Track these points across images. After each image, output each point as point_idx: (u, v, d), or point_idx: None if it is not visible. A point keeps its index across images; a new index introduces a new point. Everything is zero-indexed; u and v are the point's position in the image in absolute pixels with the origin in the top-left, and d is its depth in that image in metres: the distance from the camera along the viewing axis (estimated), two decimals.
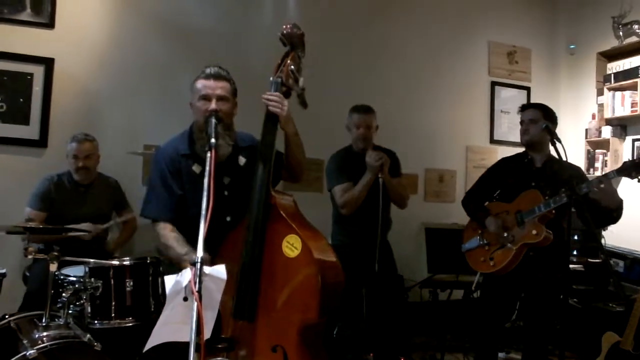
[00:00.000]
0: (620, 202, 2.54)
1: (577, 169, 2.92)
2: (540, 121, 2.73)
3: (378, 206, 2.88)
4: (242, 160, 2.18)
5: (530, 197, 2.68)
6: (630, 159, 2.42)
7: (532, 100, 4.95)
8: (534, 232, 2.59)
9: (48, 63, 3.51)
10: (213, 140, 1.78)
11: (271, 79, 2.07)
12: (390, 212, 3.22)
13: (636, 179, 2.40)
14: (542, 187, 2.67)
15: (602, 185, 2.40)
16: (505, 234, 2.72)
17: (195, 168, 2.10)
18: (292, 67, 2.05)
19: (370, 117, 3.10)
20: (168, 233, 2.06)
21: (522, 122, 2.87)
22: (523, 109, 2.92)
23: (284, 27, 2.07)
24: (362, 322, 3.19)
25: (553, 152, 2.59)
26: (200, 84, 2.06)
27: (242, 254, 1.91)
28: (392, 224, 3.28)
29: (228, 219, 2.11)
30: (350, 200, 3.01)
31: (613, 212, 2.53)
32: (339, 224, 3.23)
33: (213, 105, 2.00)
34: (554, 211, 2.56)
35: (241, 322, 1.89)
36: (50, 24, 3.53)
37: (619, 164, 4.30)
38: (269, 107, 2.01)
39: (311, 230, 1.94)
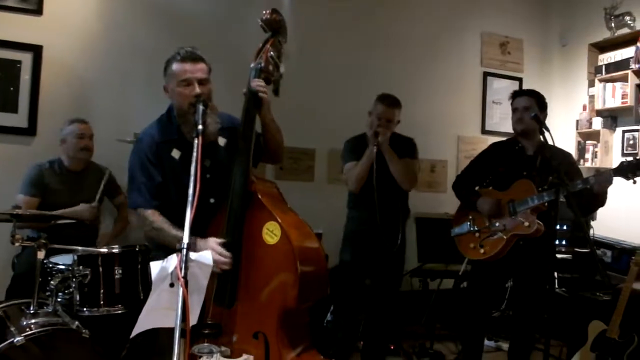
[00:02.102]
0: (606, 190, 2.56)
1: (569, 155, 2.92)
2: (534, 109, 2.71)
3: (387, 194, 2.90)
4: (222, 140, 2.14)
5: (524, 187, 2.67)
6: (628, 160, 2.41)
7: None
8: (526, 223, 2.60)
9: (36, 50, 3.47)
10: (200, 127, 1.77)
11: (251, 65, 2.04)
12: (406, 201, 3.19)
13: (631, 180, 2.40)
14: (534, 177, 2.67)
15: (605, 182, 2.43)
16: (497, 223, 2.73)
17: (174, 154, 2.07)
18: (272, 53, 2.02)
19: (394, 110, 3.04)
20: (157, 217, 2.02)
21: (515, 110, 2.82)
22: (515, 95, 2.87)
23: (264, 12, 2.03)
24: (361, 313, 3.22)
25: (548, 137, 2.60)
26: (178, 67, 1.99)
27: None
28: (409, 212, 3.25)
29: (212, 200, 2.09)
30: (352, 175, 3.02)
31: (599, 196, 2.55)
32: (349, 209, 3.22)
33: (197, 89, 1.95)
34: (546, 204, 2.57)
35: (223, 309, 1.89)
36: (38, 11, 3.48)
37: (609, 155, 4.38)
38: (259, 94, 1.99)
39: (293, 217, 1.94)
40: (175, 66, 2.00)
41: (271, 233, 1.85)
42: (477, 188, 2.95)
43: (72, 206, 3.00)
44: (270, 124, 2.09)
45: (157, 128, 2.14)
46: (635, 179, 2.39)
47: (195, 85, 1.97)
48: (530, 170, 2.72)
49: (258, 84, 2.00)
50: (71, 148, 3.10)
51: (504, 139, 3.08)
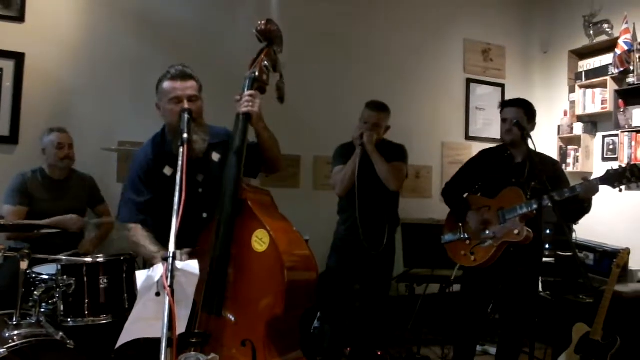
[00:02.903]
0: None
1: (556, 163, 2.97)
2: (522, 119, 2.72)
3: (371, 197, 2.92)
4: (215, 156, 2.17)
5: (513, 195, 2.70)
6: (614, 168, 2.44)
7: (507, 98, 5.02)
8: (516, 231, 2.63)
9: (18, 58, 3.43)
10: (185, 135, 1.78)
11: (246, 74, 2.07)
12: (396, 209, 3.21)
13: (617, 189, 2.44)
14: (522, 184, 2.70)
15: (592, 190, 2.47)
16: (487, 231, 2.76)
17: (167, 171, 2.10)
18: (266, 62, 2.05)
19: (380, 115, 3.06)
20: (138, 232, 2.06)
21: (504, 120, 2.83)
22: (504, 106, 2.89)
23: (259, 23, 2.06)
24: (348, 319, 3.21)
25: (531, 145, 2.64)
26: (168, 85, 2.02)
27: (212, 249, 1.92)
28: (399, 222, 3.25)
29: (204, 215, 2.11)
30: (338, 178, 3.03)
31: (585, 203, 2.59)
32: (339, 214, 3.23)
33: (185, 105, 1.98)
34: (534, 211, 2.59)
35: (211, 317, 1.89)
36: (20, 18, 3.45)
37: (590, 160, 4.46)
38: (242, 109, 2.01)
39: (284, 226, 1.95)
40: (166, 84, 2.03)
41: (260, 241, 1.85)
42: (466, 195, 2.97)
43: (57, 214, 2.97)
44: (263, 133, 2.10)
45: (151, 146, 2.18)
46: (621, 187, 2.43)
47: (184, 102, 1.99)
48: (519, 178, 2.74)
49: (247, 94, 2.02)
50: (52, 158, 3.08)
51: (489, 145, 3.12)
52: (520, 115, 2.76)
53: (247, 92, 2.02)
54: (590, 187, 2.47)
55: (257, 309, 1.84)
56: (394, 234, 3.19)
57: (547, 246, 3.88)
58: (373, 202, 3.02)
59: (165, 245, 1.66)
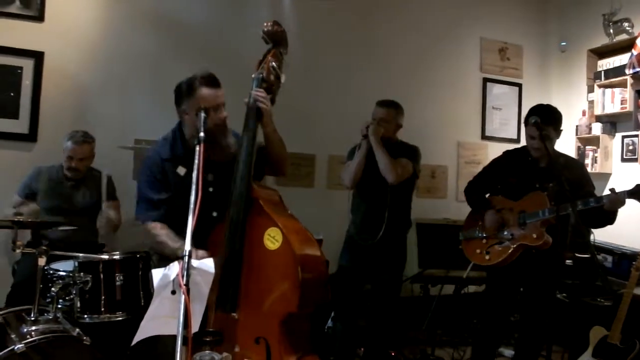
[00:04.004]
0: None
1: (581, 166, 2.95)
2: (550, 133, 2.65)
3: (382, 202, 2.91)
4: None
5: (537, 199, 2.67)
6: None
7: (524, 98, 4.98)
8: (534, 235, 2.62)
9: (38, 57, 3.48)
10: (202, 134, 1.80)
11: (253, 75, 2.10)
12: (408, 210, 3.19)
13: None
14: (547, 189, 2.67)
15: (617, 202, 2.44)
16: (505, 232, 2.75)
17: (180, 170, 2.14)
18: (274, 63, 2.07)
19: (389, 111, 3.07)
20: (159, 231, 2.09)
21: (532, 137, 2.70)
22: (535, 123, 2.65)
23: (265, 24, 2.08)
24: (361, 318, 3.20)
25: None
26: (206, 92, 2.05)
27: (224, 247, 1.93)
28: (410, 224, 3.23)
29: (214, 214, 2.15)
30: (347, 171, 3.02)
31: (611, 214, 2.56)
32: (351, 214, 3.19)
33: (225, 113, 2.08)
34: (556, 218, 2.58)
35: (224, 314, 1.91)
36: (39, 17, 3.49)
37: (609, 161, 4.39)
38: (257, 104, 2.04)
39: (294, 224, 1.96)
40: (203, 91, 2.05)
41: (272, 239, 1.86)
42: (487, 195, 2.96)
43: (70, 211, 3.00)
44: (271, 135, 2.13)
45: (164, 146, 2.22)
46: None
47: (222, 109, 2.06)
48: (542, 183, 2.72)
49: (258, 93, 2.05)
50: (64, 162, 3.12)
51: (505, 145, 3.10)
52: (548, 130, 2.64)
53: (256, 90, 2.06)
54: (616, 199, 2.44)
55: (270, 306, 1.86)
56: (405, 234, 3.18)
57: None
58: (377, 196, 3.01)
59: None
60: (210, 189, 2.15)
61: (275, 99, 2.14)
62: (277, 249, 1.85)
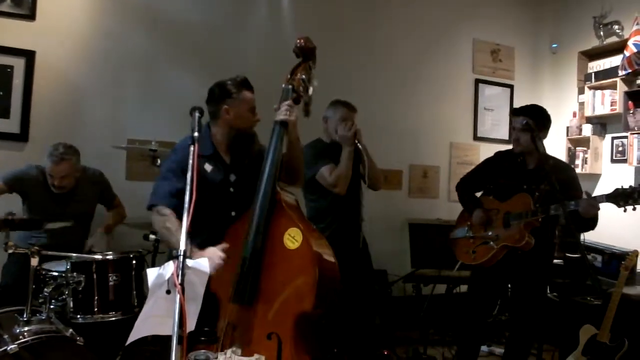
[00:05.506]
0: (597, 215, 2.55)
1: (570, 169, 2.97)
2: (533, 129, 2.66)
3: (355, 200, 2.91)
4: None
5: (522, 201, 2.70)
6: (622, 187, 2.41)
7: (515, 99, 5.02)
8: (517, 236, 2.65)
9: (29, 55, 3.45)
10: (196, 134, 1.79)
11: (283, 86, 2.20)
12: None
13: (622, 208, 2.40)
14: (533, 191, 2.69)
15: (589, 207, 2.44)
16: (490, 232, 2.79)
17: (207, 167, 2.20)
18: (304, 76, 2.20)
19: (355, 115, 3.05)
20: (173, 220, 2.04)
21: (513, 129, 2.82)
22: (514, 114, 2.84)
23: (298, 40, 2.20)
24: (342, 317, 3.20)
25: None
26: (249, 95, 2.23)
27: (245, 244, 1.99)
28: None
29: (233, 213, 2.22)
30: (340, 176, 2.98)
31: (589, 221, 2.57)
32: (317, 223, 3.17)
33: (258, 116, 2.27)
34: (540, 219, 2.61)
35: (239, 309, 1.95)
36: (31, 16, 3.47)
37: (599, 162, 4.43)
38: (280, 115, 2.13)
39: (311, 228, 2.03)
40: (247, 94, 2.24)
41: (292, 239, 1.94)
42: (479, 194, 3.00)
43: (60, 215, 2.93)
44: (295, 142, 2.20)
45: (200, 140, 2.23)
46: (626, 207, 2.39)
47: (256, 112, 2.25)
48: (530, 184, 2.74)
49: (285, 104, 2.14)
50: (47, 177, 2.95)
51: (497, 146, 3.12)
52: (530, 125, 2.67)
53: (285, 103, 2.15)
54: (588, 203, 2.43)
55: (285, 303, 1.91)
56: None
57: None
58: (354, 201, 2.99)
59: (193, 238, 1.68)
60: (232, 189, 2.23)
61: (310, 110, 2.25)
62: (297, 248, 1.92)
